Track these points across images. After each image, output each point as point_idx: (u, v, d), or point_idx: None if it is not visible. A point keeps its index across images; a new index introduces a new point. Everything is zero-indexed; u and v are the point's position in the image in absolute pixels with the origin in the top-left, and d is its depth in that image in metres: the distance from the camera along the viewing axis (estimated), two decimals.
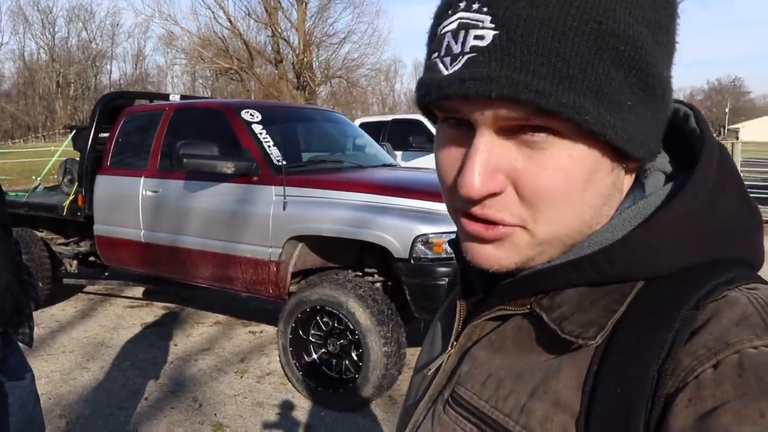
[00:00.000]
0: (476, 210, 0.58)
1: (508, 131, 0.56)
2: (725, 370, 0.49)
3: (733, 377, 0.49)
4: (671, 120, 0.62)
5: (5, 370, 2.51)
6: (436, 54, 0.57)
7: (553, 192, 0.56)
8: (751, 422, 0.47)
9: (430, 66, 0.58)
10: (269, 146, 5.01)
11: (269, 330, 5.90)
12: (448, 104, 0.58)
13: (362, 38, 40.01)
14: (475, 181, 0.55)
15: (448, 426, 0.68)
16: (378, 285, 4.54)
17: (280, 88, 31.51)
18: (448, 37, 0.56)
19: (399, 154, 10.10)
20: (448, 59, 0.56)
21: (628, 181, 0.62)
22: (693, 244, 0.57)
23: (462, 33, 0.55)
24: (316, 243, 4.63)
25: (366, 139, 6.49)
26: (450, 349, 0.73)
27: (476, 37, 0.54)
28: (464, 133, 0.59)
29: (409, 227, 4.04)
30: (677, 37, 0.57)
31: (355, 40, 41.97)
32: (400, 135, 11.04)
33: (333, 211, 4.38)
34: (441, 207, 4.13)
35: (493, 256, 0.61)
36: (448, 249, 3.95)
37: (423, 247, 3.99)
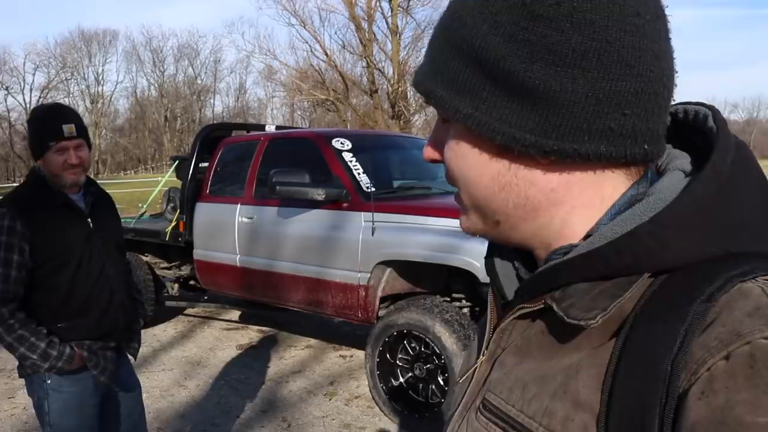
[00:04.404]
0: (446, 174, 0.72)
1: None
2: (737, 362, 0.49)
3: (744, 368, 0.49)
4: (692, 121, 0.66)
5: (117, 381, 2.69)
6: None
7: (449, 162, 0.69)
8: (764, 413, 0.47)
9: None
10: (359, 173, 5.12)
11: (359, 354, 5.97)
12: None
13: None
14: (425, 150, 0.74)
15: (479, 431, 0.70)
16: (465, 310, 4.53)
17: (375, 118, 31.99)
18: None
19: None
20: None
21: (591, 177, 0.63)
22: (704, 237, 0.57)
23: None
24: (404, 268, 4.68)
25: None
26: (481, 356, 0.75)
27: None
28: None
29: None
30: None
31: None
32: None
33: (420, 237, 4.42)
34: None
35: (462, 223, 0.73)
36: None
37: None
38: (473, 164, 0.66)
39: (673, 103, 0.67)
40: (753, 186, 0.60)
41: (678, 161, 0.65)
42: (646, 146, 0.60)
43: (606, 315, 0.58)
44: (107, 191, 2.71)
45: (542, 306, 0.64)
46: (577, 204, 0.64)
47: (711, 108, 0.65)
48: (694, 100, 0.68)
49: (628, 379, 0.55)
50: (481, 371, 0.74)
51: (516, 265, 0.75)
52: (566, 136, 0.59)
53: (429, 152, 0.73)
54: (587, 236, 0.64)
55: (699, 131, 0.65)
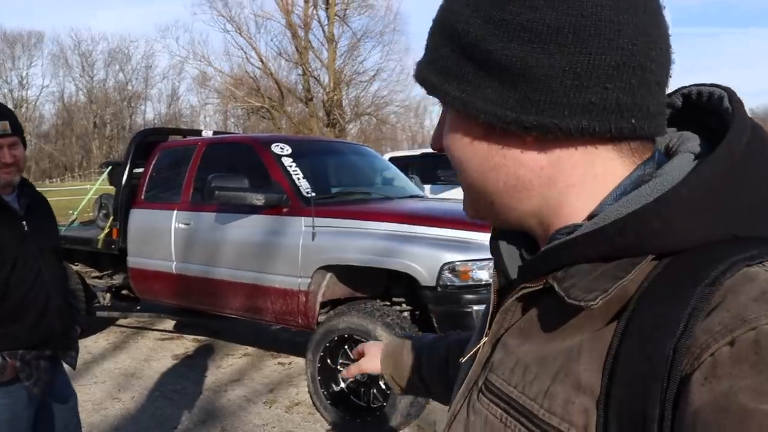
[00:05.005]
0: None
1: None
2: (741, 348, 0.48)
3: (749, 355, 0.48)
4: (705, 103, 0.65)
5: (52, 392, 2.58)
6: None
7: (446, 147, 0.71)
8: None
9: None
10: (298, 178, 5.10)
11: (298, 361, 5.91)
12: None
13: (391, 76, 38.91)
14: (431, 141, 0.76)
15: (480, 413, 0.70)
16: (406, 313, 4.56)
17: (310, 126, 31.92)
18: None
19: (428, 187, 10.15)
20: None
21: (588, 158, 0.62)
22: (711, 219, 0.56)
23: None
24: (345, 273, 4.68)
25: (394, 171, 6.57)
26: (484, 338, 0.74)
27: None
28: None
29: (435, 255, 4.06)
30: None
31: (384, 78, 38.69)
32: (429, 169, 11.09)
33: (360, 241, 4.43)
34: (468, 235, 4.15)
35: (463, 206, 0.76)
36: (476, 276, 3.97)
37: (450, 275, 4.01)
38: (465, 146, 0.67)
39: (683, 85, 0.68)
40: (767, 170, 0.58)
41: (689, 143, 0.64)
42: (633, 121, 0.59)
43: (607, 296, 0.57)
44: None
45: (544, 286, 0.64)
46: (570, 183, 0.64)
47: (726, 89, 0.64)
48: (708, 82, 0.67)
49: (630, 362, 0.54)
50: (483, 352, 0.74)
51: (520, 247, 0.74)
52: (546, 111, 0.59)
53: (434, 143, 0.75)
54: (591, 217, 0.63)
55: (714, 113, 0.64)
